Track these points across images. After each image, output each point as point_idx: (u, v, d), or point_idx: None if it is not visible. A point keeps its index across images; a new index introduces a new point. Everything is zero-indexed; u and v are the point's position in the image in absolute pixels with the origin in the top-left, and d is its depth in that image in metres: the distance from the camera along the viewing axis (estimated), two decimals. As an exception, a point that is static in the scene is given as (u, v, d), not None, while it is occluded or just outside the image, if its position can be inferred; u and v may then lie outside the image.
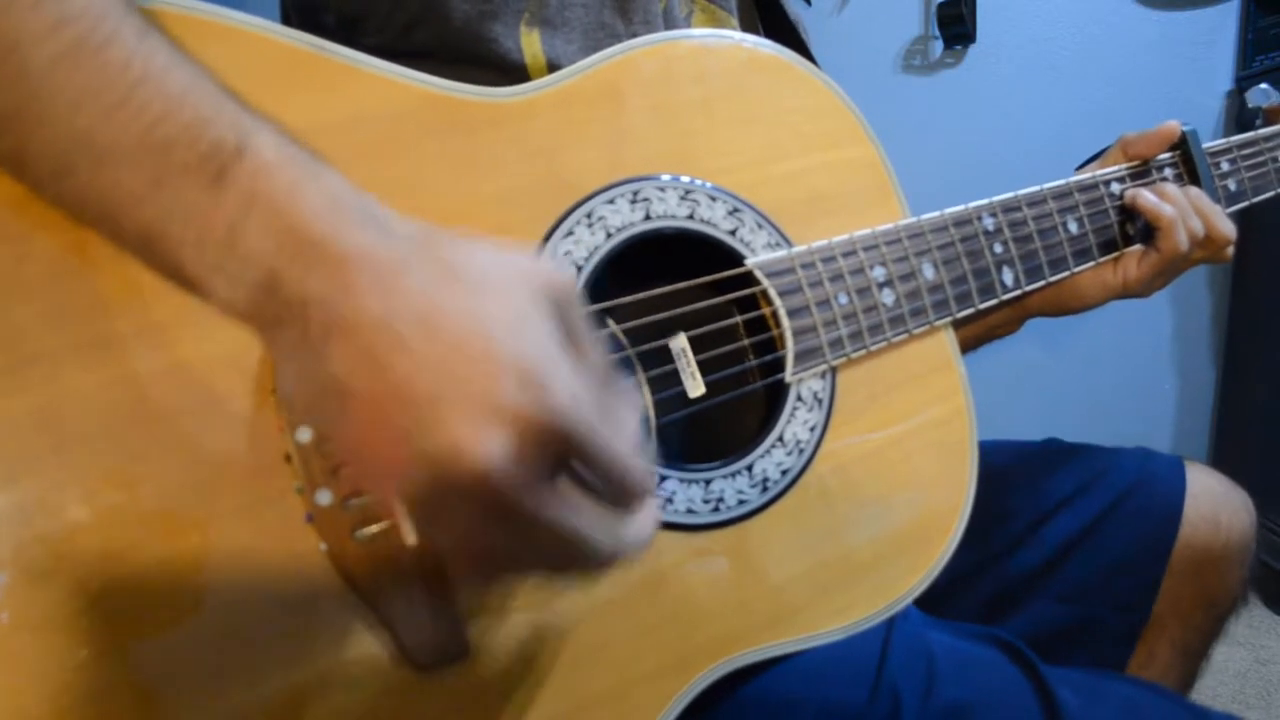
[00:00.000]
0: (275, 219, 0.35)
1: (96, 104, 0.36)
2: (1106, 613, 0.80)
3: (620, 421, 0.38)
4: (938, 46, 1.72)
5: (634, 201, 0.57)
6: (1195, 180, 0.81)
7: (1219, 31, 1.79)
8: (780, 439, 0.60)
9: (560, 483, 0.36)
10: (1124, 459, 0.85)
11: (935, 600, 0.69)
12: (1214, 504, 0.81)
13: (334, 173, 0.38)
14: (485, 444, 0.33)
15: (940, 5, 1.65)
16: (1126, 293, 0.79)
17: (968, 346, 0.81)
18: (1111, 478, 0.83)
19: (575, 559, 0.37)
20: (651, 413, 0.60)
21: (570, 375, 0.35)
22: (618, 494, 0.38)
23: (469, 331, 0.34)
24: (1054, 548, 0.81)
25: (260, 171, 0.36)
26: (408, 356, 0.33)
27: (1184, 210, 0.75)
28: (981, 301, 0.68)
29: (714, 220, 0.59)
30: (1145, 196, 0.76)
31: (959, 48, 1.71)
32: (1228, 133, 0.86)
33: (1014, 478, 0.85)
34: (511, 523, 0.35)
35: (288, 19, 0.69)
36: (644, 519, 0.40)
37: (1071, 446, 0.88)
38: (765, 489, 0.58)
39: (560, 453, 0.35)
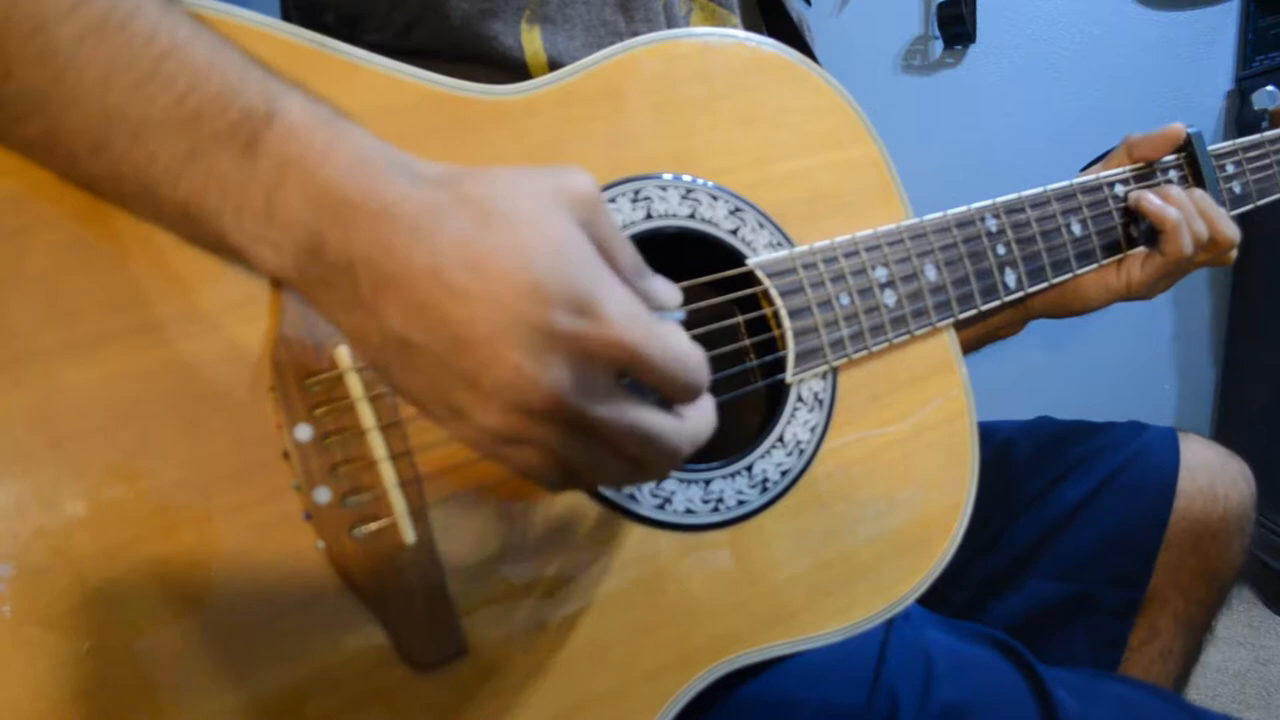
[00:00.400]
0: (310, 183, 0.36)
1: (124, 78, 0.36)
2: (1103, 588, 0.80)
3: (663, 322, 0.39)
4: (938, 46, 1.72)
5: (635, 200, 0.57)
6: (1200, 182, 0.80)
7: (1219, 31, 1.79)
8: (780, 439, 0.59)
9: (625, 389, 0.38)
10: (1117, 433, 0.85)
11: (932, 586, 0.69)
12: (1210, 475, 0.81)
13: (359, 128, 0.39)
14: (549, 371, 0.35)
15: (940, 5, 1.65)
16: (1129, 295, 0.79)
17: (970, 347, 0.81)
18: (1105, 453, 0.83)
19: (652, 456, 0.40)
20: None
21: (615, 290, 0.37)
22: (676, 390, 0.40)
23: (513, 266, 0.35)
24: (1050, 525, 0.81)
25: (290, 135, 0.37)
26: (460, 301, 0.35)
27: (1188, 213, 0.75)
28: (984, 303, 0.68)
29: (715, 220, 0.59)
30: (1150, 199, 0.75)
31: (959, 48, 1.71)
32: (1228, 133, 0.86)
33: (1007, 457, 0.85)
34: (589, 435, 0.37)
35: (288, 17, 0.68)
36: (704, 407, 0.42)
37: (1064, 423, 0.88)
38: (765, 489, 0.58)
39: (619, 364, 0.37)
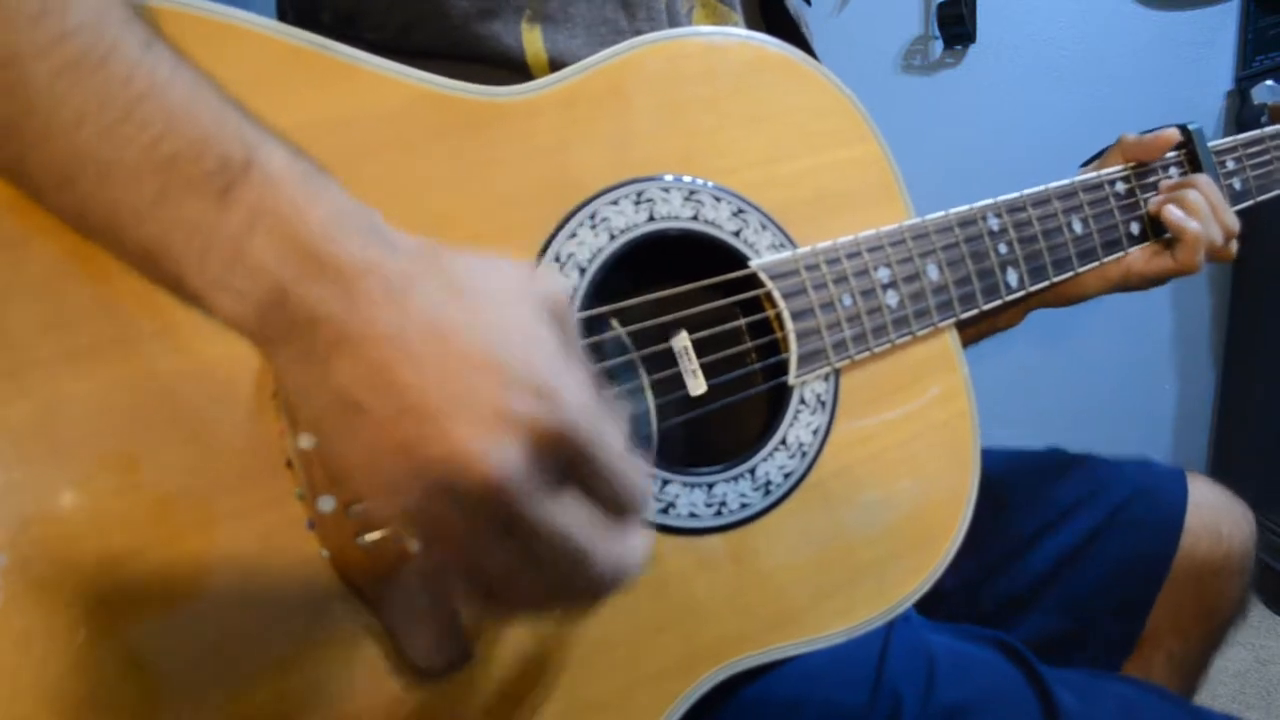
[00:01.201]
0: (282, 234, 0.35)
1: (98, 119, 0.35)
2: (1104, 622, 0.80)
3: (616, 434, 0.38)
4: (938, 46, 1.72)
5: (638, 202, 0.57)
6: None
7: (1219, 31, 1.79)
8: (783, 442, 0.59)
9: (564, 495, 0.36)
10: (1125, 469, 0.85)
11: (934, 610, 0.69)
12: (1215, 514, 0.81)
13: (338, 187, 0.38)
14: (497, 452, 0.33)
15: (940, 5, 1.65)
16: (1125, 284, 0.79)
17: (969, 340, 0.81)
18: (1112, 489, 0.82)
19: (576, 578, 0.37)
20: (654, 416, 0.59)
21: (577, 382, 0.36)
22: (619, 502, 0.38)
23: (478, 344, 0.34)
24: (1055, 559, 0.81)
25: (267, 186, 0.36)
26: (417, 369, 0.33)
27: (1206, 221, 0.76)
28: (986, 302, 0.68)
29: (718, 221, 0.59)
30: (1172, 211, 0.76)
31: (959, 48, 1.71)
32: (1228, 133, 0.86)
33: (1015, 487, 0.85)
34: (516, 536, 0.35)
35: (283, 16, 0.68)
36: (638, 539, 0.39)
37: (1073, 456, 0.88)
38: (768, 492, 0.58)
39: (568, 462, 0.35)
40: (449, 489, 0.33)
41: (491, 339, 0.34)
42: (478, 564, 0.36)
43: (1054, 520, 0.82)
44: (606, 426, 0.36)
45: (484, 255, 0.38)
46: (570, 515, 0.36)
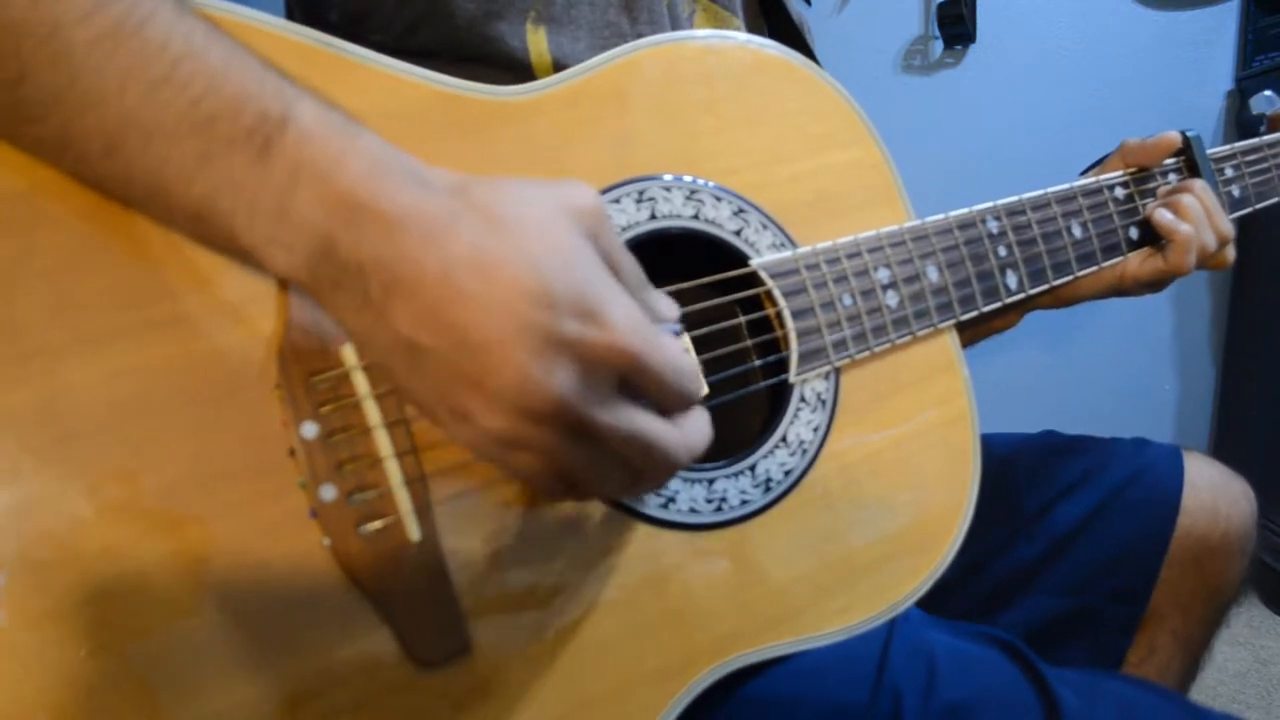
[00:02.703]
0: (324, 186, 0.37)
1: (140, 82, 0.36)
2: (1105, 603, 0.80)
3: (665, 332, 0.40)
4: (938, 46, 1.72)
5: (640, 201, 0.57)
6: None
7: (1219, 31, 1.79)
8: (783, 439, 0.60)
9: (625, 397, 0.39)
10: (1121, 449, 0.85)
11: (934, 594, 0.69)
12: (1213, 493, 0.81)
13: (372, 134, 0.39)
14: (554, 375, 0.36)
15: (940, 5, 1.65)
16: (1120, 288, 0.79)
17: (968, 341, 0.82)
18: (1109, 469, 0.83)
19: (651, 465, 0.41)
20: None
21: (620, 299, 0.38)
22: (673, 398, 0.41)
23: (522, 272, 0.36)
24: (1053, 540, 0.81)
25: (305, 140, 0.37)
26: (468, 305, 0.35)
27: (1200, 226, 0.76)
28: (985, 304, 0.68)
29: (719, 220, 0.59)
30: (1163, 215, 0.76)
31: (959, 48, 1.71)
32: (1228, 133, 0.86)
33: (1012, 471, 0.85)
34: (590, 441, 0.38)
35: (291, 16, 0.68)
36: (699, 419, 0.43)
37: (1068, 438, 0.88)
38: (768, 489, 0.58)
39: (622, 371, 0.38)
40: (519, 411, 0.36)
41: (534, 266, 0.36)
42: (559, 465, 0.39)
43: (1051, 501, 0.82)
44: (650, 334, 0.39)
45: (516, 181, 0.39)
46: (633, 415, 0.39)
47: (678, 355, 0.40)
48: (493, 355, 0.35)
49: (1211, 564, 0.80)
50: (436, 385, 0.37)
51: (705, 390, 0.42)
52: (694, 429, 0.43)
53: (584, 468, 0.39)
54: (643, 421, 0.40)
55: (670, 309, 0.43)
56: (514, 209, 0.38)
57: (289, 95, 0.38)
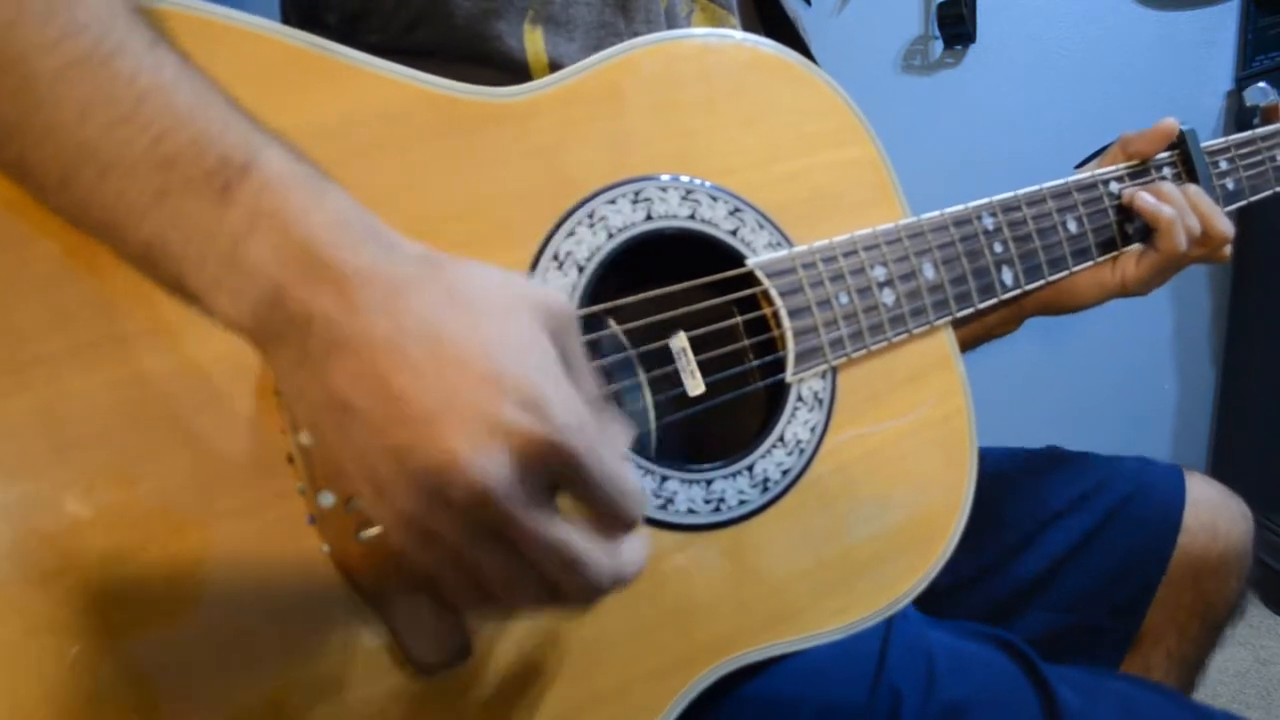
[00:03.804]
0: (281, 236, 0.35)
1: (102, 116, 0.35)
2: (1102, 620, 0.80)
3: (614, 446, 0.38)
4: (938, 46, 1.72)
5: (636, 201, 0.57)
6: (1193, 179, 0.81)
7: (1219, 31, 1.79)
8: (781, 439, 0.60)
9: (554, 505, 0.37)
10: (1123, 467, 0.85)
11: (932, 608, 0.69)
12: (1212, 512, 0.81)
13: (340, 190, 0.38)
14: (485, 460, 0.33)
15: (940, 5, 1.65)
16: (1124, 292, 0.79)
17: (966, 345, 0.82)
18: (1110, 487, 0.83)
19: (570, 584, 0.37)
20: (652, 414, 0.60)
21: (571, 398, 0.36)
22: (612, 517, 0.38)
23: (473, 352, 0.34)
24: (1052, 558, 0.81)
25: (266, 188, 0.36)
26: (411, 374, 0.34)
27: (1182, 210, 0.76)
28: (981, 301, 0.68)
29: (715, 220, 0.59)
30: (1143, 198, 0.76)
31: (959, 48, 1.72)
32: (1228, 133, 0.86)
33: (1013, 486, 0.85)
34: (506, 544, 0.36)
35: (287, 18, 0.69)
36: (635, 545, 0.40)
37: (1070, 455, 0.88)
38: (766, 489, 0.58)
39: (558, 473, 0.36)
40: (438, 494, 0.34)
41: (487, 348, 0.35)
42: (471, 566, 0.36)
43: (1052, 518, 0.82)
44: (599, 440, 0.36)
45: (486, 266, 0.38)
46: (561, 524, 0.36)
47: (623, 470, 0.37)
48: (421, 430, 0.33)
49: (1210, 582, 0.80)
50: (359, 453, 0.35)
51: (641, 519, 0.39)
52: (627, 555, 0.39)
53: (496, 572, 0.36)
54: (569, 534, 0.36)
55: (624, 435, 0.40)
56: (480, 292, 0.36)
57: (255, 142, 0.37)
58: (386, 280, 0.35)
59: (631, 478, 0.38)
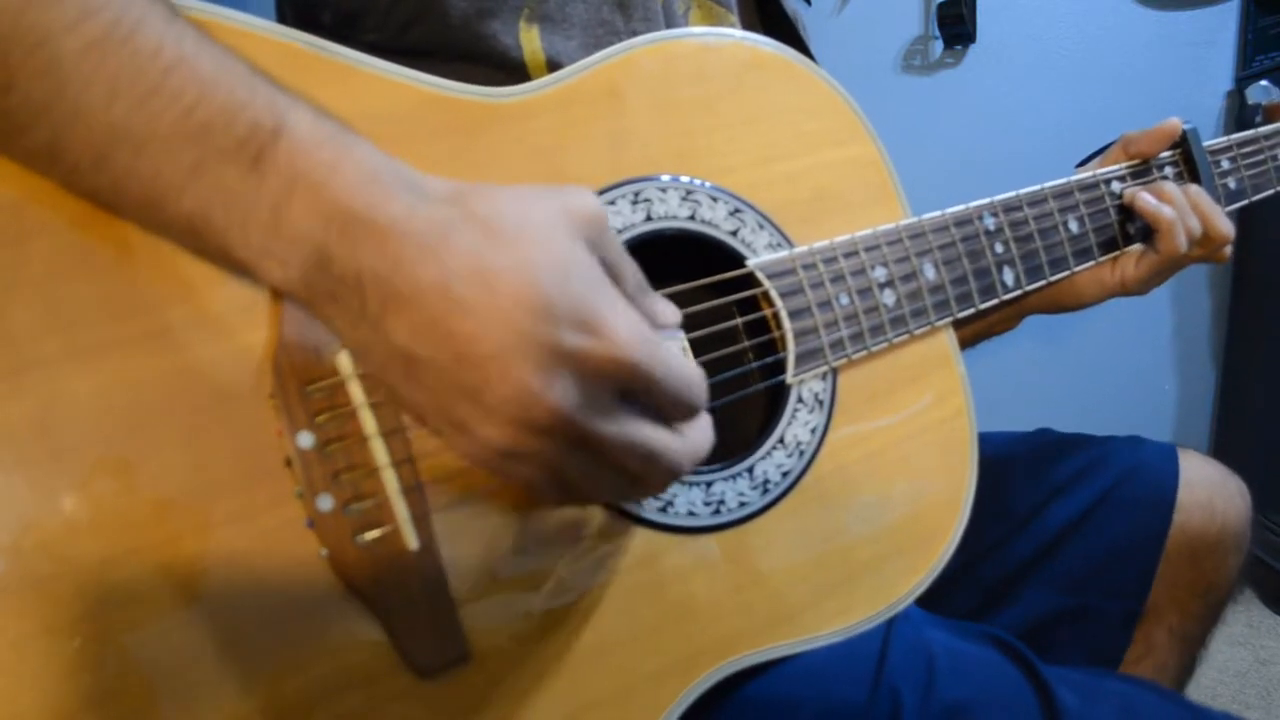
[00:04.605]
0: (318, 197, 0.36)
1: (130, 92, 0.36)
2: (1102, 601, 0.80)
3: (661, 351, 0.40)
4: (938, 46, 1.72)
5: (635, 202, 0.57)
6: (1195, 178, 0.81)
7: (1219, 31, 1.79)
8: (781, 441, 0.59)
9: (627, 406, 0.39)
10: (1116, 447, 0.85)
11: (931, 591, 0.69)
12: (1209, 490, 0.81)
13: (366, 143, 0.39)
14: (554, 387, 0.35)
15: (940, 5, 1.65)
16: (1124, 292, 0.79)
17: (966, 343, 0.82)
18: (1104, 466, 0.83)
19: (652, 473, 0.40)
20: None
21: (620, 309, 0.38)
22: (677, 408, 0.41)
23: (521, 283, 0.35)
24: (1049, 538, 0.81)
25: (298, 151, 0.37)
26: (467, 317, 0.35)
27: (1183, 211, 0.76)
28: (982, 301, 0.68)
29: (715, 221, 0.59)
30: (1144, 198, 0.76)
31: (959, 48, 1.72)
32: (1228, 133, 0.86)
33: (1007, 468, 0.85)
34: (591, 451, 0.38)
35: (283, 18, 0.68)
36: (702, 425, 0.43)
37: (1063, 436, 0.88)
38: (766, 491, 0.58)
39: (623, 382, 0.38)
40: (519, 423, 0.36)
41: (534, 276, 0.36)
42: (560, 474, 0.39)
43: (1046, 499, 0.82)
44: (651, 343, 0.38)
45: (512, 188, 0.39)
46: (635, 426, 0.39)
47: (680, 363, 0.40)
48: (491, 367, 0.35)
49: (1208, 561, 0.80)
50: (434, 397, 0.37)
51: (707, 398, 0.42)
52: (697, 436, 0.42)
53: (584, 476, 0.39)
54: (645, 431, 0.39)
55: (672, 315, 0.43)
56: (512, 218, 0.37)
57: (282, 104, 0.38)
58: (425, 228, 0.36)
59: (690, 368, 0.40)
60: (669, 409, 0.40)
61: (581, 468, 0.39)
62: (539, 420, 0.36)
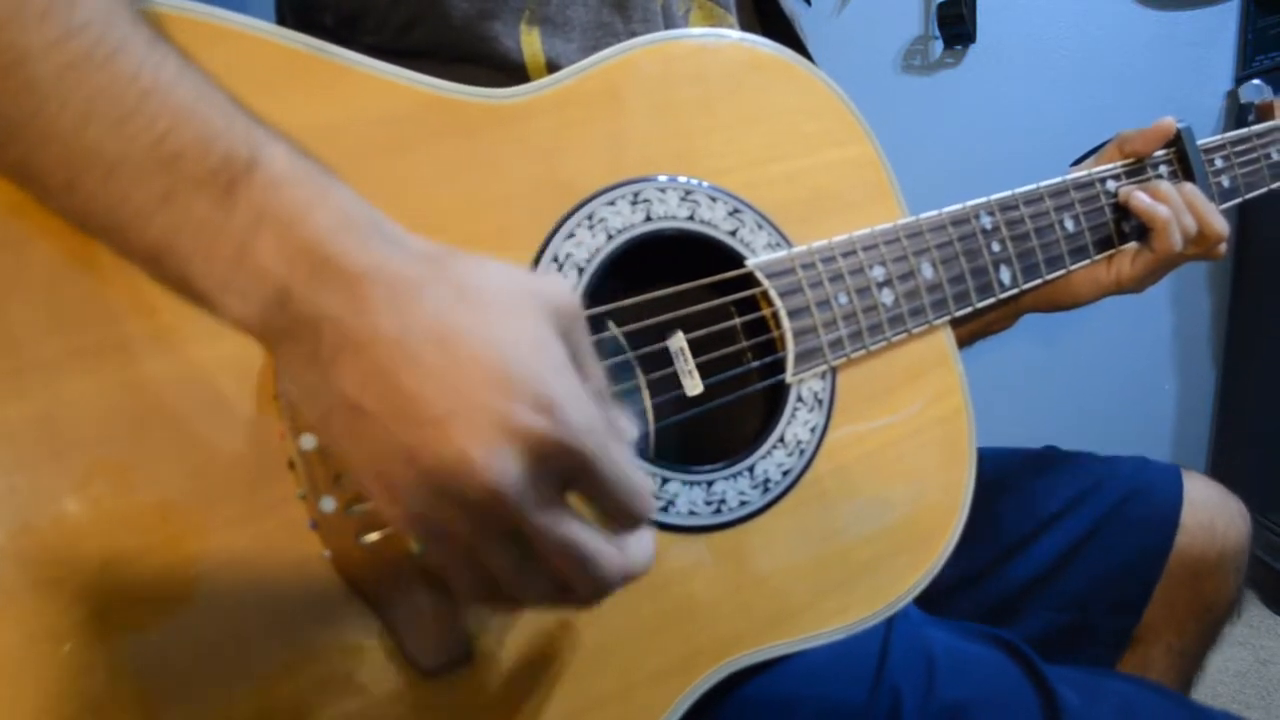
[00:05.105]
0: (286, 235, 0.35)
1: (105, 116, 0.35)
2: (1101, 618, 0.80)
3: (622, 444, 0.38)
4: (938, 46, 1.72)
5: (635, 203, 0.57)
6: (1189, 177, 0.81)
7: (1219, 31, 1.79)
8: (781, 440, 0.60)
9: (566, 504, 0.37)
10: (1121, 467, 0.85)
11: (931, 609, 0.69)
12: (1210, 512, 0.81)
13: (345, 188, 0.37)
14: (497, 461, 0.33)
15: (940, 5, 1.65)
16: (1119, 290, 0.80)
17: (963, 342, 0.82)
18: (1108, 486, 0.83)
19: (580, 581, 0.38)
20: (651, 416, 0.60)
21: (582, 399, 0.36)
22: (621, 516, 0.39)
23: (483, 352, 0.34)
24: (1051, 558, 0.81)
25: (271, 186, 0.36)
26: (421, 374, 0.33)
27: (1178, 209, 0.76)
28: (979, 300, 0.68)
29: (714, 221, 0.59)
30: (1139, 198, 0.76)
31: (959, 48, 1.72)
32: (1227, 132, 0.86)
33: (1011, 486, 0.85)
34: (518, 542, 0.36)
35: (283, 20, 0.69)
36: (644, 541, 0.40)
37: (1068, 455, 0.88)
38: (766, 490, 0.58)
39: (569, 474, 0.36)
40: (451, 495, 0.34)
41: (497, 347, 0.34)
42: (482, 564, 0.36)
43: (1050, 518, 0.82)
44: (609, 440, 0.37)
45: (492, 260, 0.38)
46: (572, 523, 0.36)
47: (632, 469, 0.38)
48: (433, 431, 0.33)
49: (1208, 582, 0.81)
50: (371, 453, 0.35)
51: (650, 516, 0.40)
52: (635, 550, 0.40)
53: (507, 570, 0.37)
54: (581, 533, 0.37)
55: (631, 429, 0.40)
56: (488, 290, 0.36)
57: (259, 137, 0.37)
58: (394, 279, 0.35)
59: (641, 477, 0.38)
60: (612, 513, 0.38)
61: (506, 560, 0.36)
62: (471, 494, 0.33)
